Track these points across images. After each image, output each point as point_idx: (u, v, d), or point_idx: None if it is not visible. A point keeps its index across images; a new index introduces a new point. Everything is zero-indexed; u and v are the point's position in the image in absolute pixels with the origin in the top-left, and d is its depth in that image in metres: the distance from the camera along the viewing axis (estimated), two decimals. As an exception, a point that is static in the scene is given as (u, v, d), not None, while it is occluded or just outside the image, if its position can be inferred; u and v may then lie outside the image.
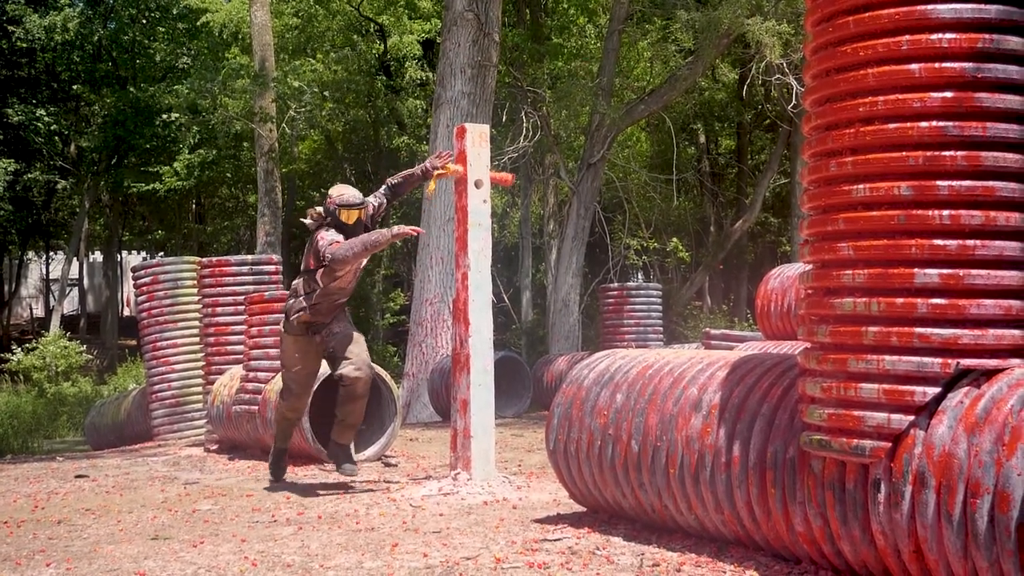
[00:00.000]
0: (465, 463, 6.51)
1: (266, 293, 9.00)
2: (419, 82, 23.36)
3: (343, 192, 6.56)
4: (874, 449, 3.56)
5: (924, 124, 3.53)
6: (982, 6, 3.51)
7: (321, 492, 6.68)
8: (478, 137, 6.63)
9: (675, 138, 20.05)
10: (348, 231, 6.47)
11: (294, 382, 6.87)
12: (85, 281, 35.53)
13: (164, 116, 24.01)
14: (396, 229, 6.20)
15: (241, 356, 9.33)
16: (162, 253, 34.43)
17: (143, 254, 37.95)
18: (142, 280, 11.85)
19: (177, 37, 28.74)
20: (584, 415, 5.04)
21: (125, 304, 37.03)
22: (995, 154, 3.51)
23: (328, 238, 6.39)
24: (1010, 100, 3.52)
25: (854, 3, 3.67)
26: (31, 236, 33.65)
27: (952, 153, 3.51)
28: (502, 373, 12.51)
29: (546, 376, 14.28)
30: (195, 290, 10.96)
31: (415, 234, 6.34)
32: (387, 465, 8.01)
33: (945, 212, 3.50)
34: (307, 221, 6.68)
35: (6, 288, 35.51)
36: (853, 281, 3.65)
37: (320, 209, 6.57)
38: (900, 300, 3.54)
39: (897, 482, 3.51)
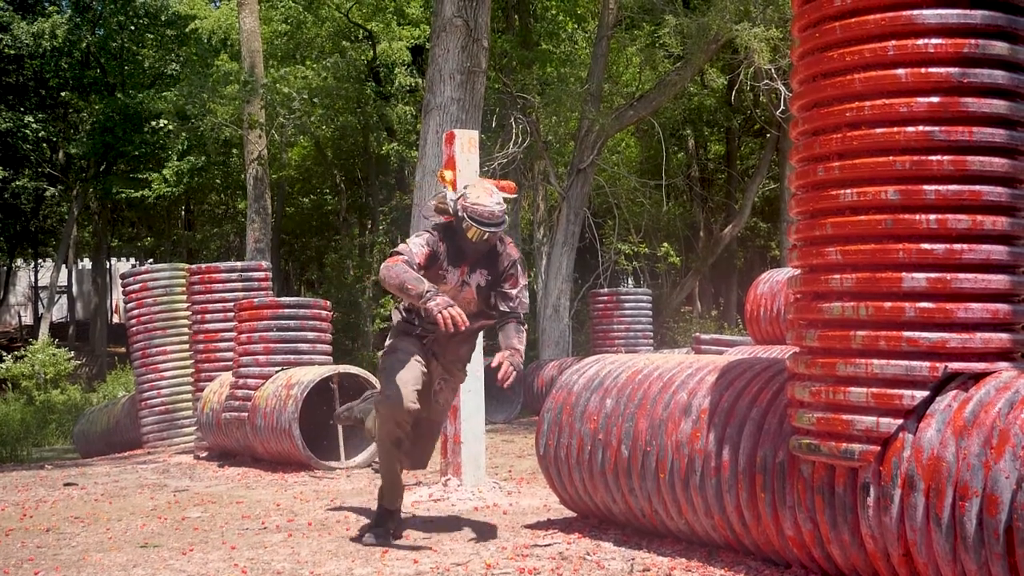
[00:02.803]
0: (455, 469, 6.50)
1: (255, 300, 8.98)
2: (408, 88, 23.34)
3: (482, 201, 4.84)
4: (863, 453, 3.56)
5: (911, 129, 3.54)
6: (967, 11, 3.53)
7: (311, 499, 6.66)
8: (467, 143, 6.63)
9: (664, 143, 20.08)
10: (466, 247, 4.92)
11: (396, 375, 4.89)
12: (74, 288, 35.39)
13: (153, 123, 23.95)
14: (438, 305, 4.57)
15: (230, 363, 9.31)
16: (151, 260, 34.34)
17: (132, 261, 37.83)
18: (131, 287, 11.84)
19: (166, 44, 28.69)
20: (574, 420, 5.04)
21: (114, 311, 36.89)
22: (981, 158, 3.53)
23: (408, 244, 4.90)
24: (996, 104, 3.54)
25: (840, 9, 3.68)
26: (19, 243, 33.54)
27: (939, 157, 3.52)
28: (492, 379, 12.49)
29: (536, 381, 14.28)
30: (184, 297, 10.94)
31: (452, 328, 4.60)
32: (377, 471, 7.99)
33: (932, 216, 3.52)
34: (428, 212, 5.28)
35: (-6, 296, 35.41)
36: (841, 285, 3.66)
37: (449, 197, 5.00)
38: (888, 304, 3.55)
39: (886, 485, 3.51)
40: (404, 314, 5.13)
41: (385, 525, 5.09)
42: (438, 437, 5.32)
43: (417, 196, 14.48)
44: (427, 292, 4.60)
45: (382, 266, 4.76)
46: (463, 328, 4.59)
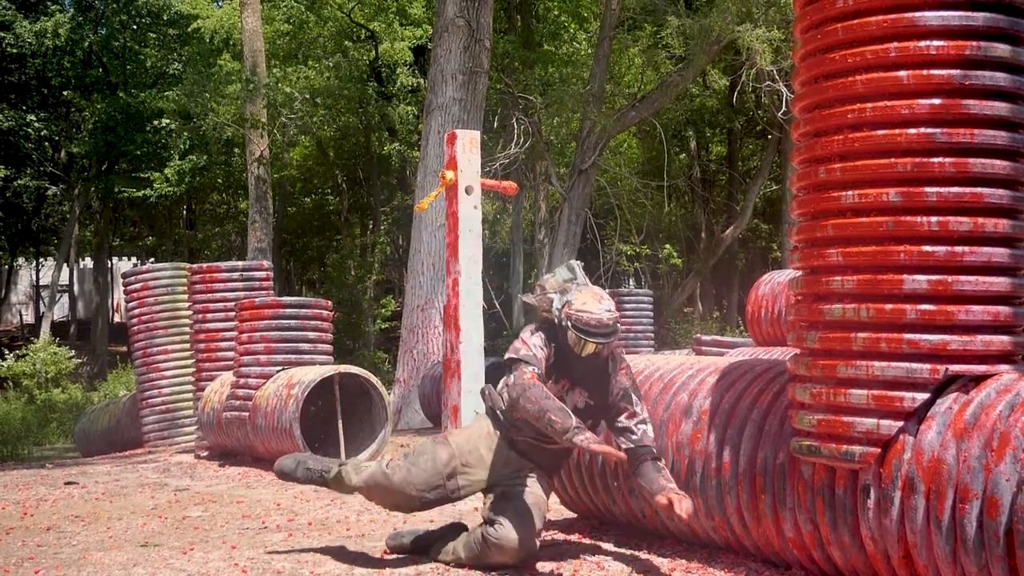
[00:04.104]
0: (456, 469, 6.49)
1: (256, 299, 8.98)
2: (410, 88, 23.36)
3: (588, 308, 4.24)
4: (863, 455, 3.56)
5: (912, 131, 3.54)
6: (969, 13, 3.53)
7: (311, 499, 6.66)
8: (469, 143, 6.63)
9: (666, 144, 20.09)
10: (571, 360, 4.33)
11: (415, 475, 4.44)
12: (75, 287, 35.43)
13: (155, 122, 23.99)
14: (587, 441, 4.01)
15: (231, 362, 9.31)
16: (152, 259, 34.38)
17: (133, 260, 37.87)
18: (132, 286, 11.85)
19: (168, 43, 28.74)
20: (575, 421, 5.04)
21: (115, 310, 36.93)
22: (983, 161, 3.52)
23: (529, 346, 4.32)
24: (997, 107, 3.54)
25: (842, 10, 3.68)
26: (21, 242, 33.60)
27: (940, 160, 3.52)
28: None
29: (537, 382, 14.25)
30: (185, 296, 10.95)
31: (613, 459, 4.08)
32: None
33: (933, 218, 3.51)
34: (529, 300, 4.65)
35: (-4, 294, 35.44)
36: (842, 287, 3.66)
37: (552, 297, 4.39)
38: (889, 306, 3.55)
39: (886, 488, 3.51)
40: (504, 410, 4.45)
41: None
42: (542, 519, 4.39)
43: (419, 196, 14.51)
44: (574, 428, 4.04)
45: (516, 384, 4.18)
46: (619, 460, 4.08)
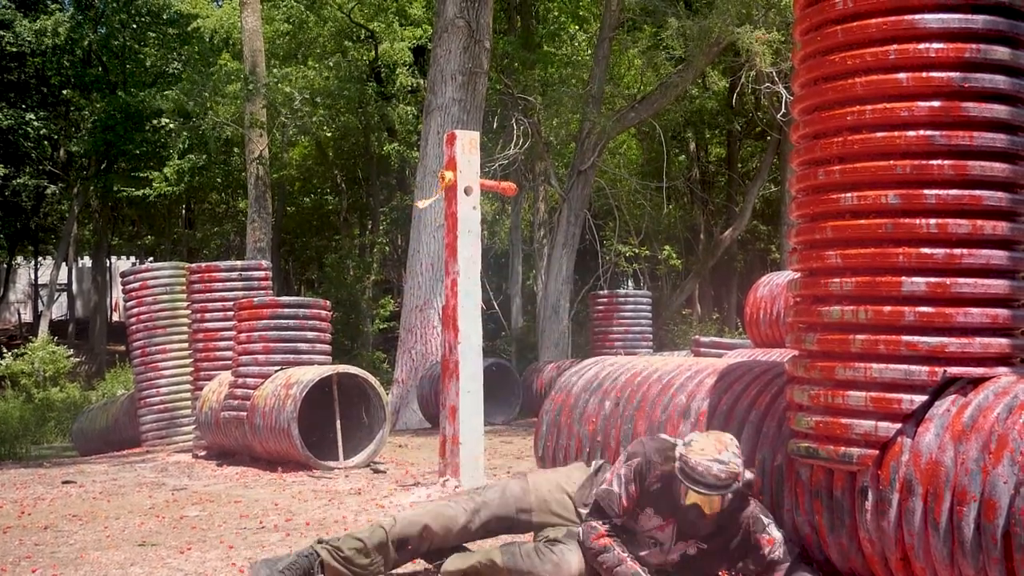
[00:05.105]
0: (454, 470, 6.51)
1: (255, 299, 8.98)
2: (410, 88, 23.36)
3: (707, 454, 3.64)
4: (861, 456, 3.56)
5: (912, 133, 3.54)
6: (969, 16, 3.53)
7: (309, 499, 6.66)
8: (468, 144, 6.63)
9: (665, 145, 20.09)
10: (678, 511, 3.79)
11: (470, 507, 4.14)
12: (74, 286, 35.40)
13: (154, 121, 24.00)
14: None
15: (230, 362, 9.31)
16: (151, 258, 34.36)
17: (132, 259, 37.84)
18: (131, 285, 11.85)
19: (168, 42, 28.72)
20: (573, 422, 5.04)
21: (113, 309, 36.90)
22: (982, 163, 3.52)
23: (613, 479, 3.92)
24: (997, 109, 3.54)
25: (842, 13, 3.68)
26: (20, 241, 33.56)
27: (939, 162, 3.52)
28: (492, 380, 12.51)
29: (535, 383, 14.29)
30: (184, 296, 10.95)
31: None
32: (376, 471, 8.00)
33: (932, 221, 3.51)
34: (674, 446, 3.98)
35: (-6, 293, 35.43)
36: (841, 289, 3.66)
37: (679, 450, 3.73)
38: (887, 308, 3.54)
39: (884, 490, 3.51)
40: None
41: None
42: None
43: (417, 196, 14.51)
44: None
45: (586, 547, 3.83)
46: None
